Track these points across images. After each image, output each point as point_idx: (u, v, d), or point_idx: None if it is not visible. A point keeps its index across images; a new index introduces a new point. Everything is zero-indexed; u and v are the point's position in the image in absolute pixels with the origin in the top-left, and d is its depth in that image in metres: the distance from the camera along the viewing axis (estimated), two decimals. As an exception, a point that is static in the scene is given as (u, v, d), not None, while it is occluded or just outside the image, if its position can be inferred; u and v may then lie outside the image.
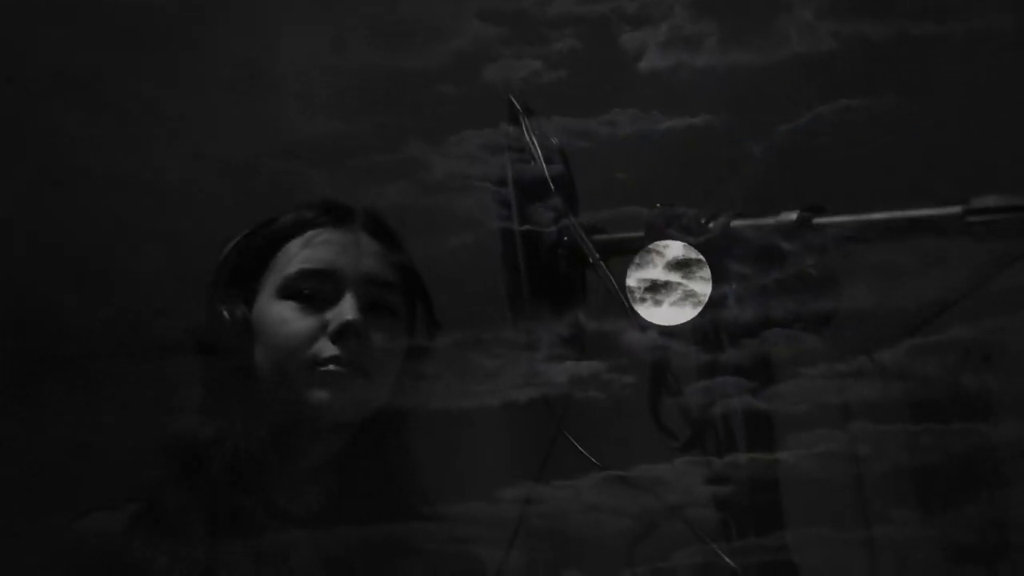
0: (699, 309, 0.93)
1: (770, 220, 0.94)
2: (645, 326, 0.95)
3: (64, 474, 2.93)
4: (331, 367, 1.18)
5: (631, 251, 0.97)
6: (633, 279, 0.94)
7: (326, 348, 1.18)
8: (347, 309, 1.20)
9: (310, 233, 1.25)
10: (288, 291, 1.22)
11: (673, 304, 0.94)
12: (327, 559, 1.18)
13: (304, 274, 1.22)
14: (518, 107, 1.03)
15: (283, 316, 1.21)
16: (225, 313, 1.22)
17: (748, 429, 0.94)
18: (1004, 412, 0.99)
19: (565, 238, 0.99)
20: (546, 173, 0.99)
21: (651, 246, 0.95)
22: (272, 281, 1.24)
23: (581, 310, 0.99)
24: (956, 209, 0.88)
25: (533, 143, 1.01)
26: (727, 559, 0.90)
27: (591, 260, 0.98)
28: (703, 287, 0.93)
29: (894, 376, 0.91)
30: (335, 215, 1.27)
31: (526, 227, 1.00)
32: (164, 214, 2.79)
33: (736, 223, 0.95)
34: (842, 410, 0.91)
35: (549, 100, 1.04)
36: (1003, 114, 1.99)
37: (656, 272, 0.94)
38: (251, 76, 2.07)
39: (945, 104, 2.10)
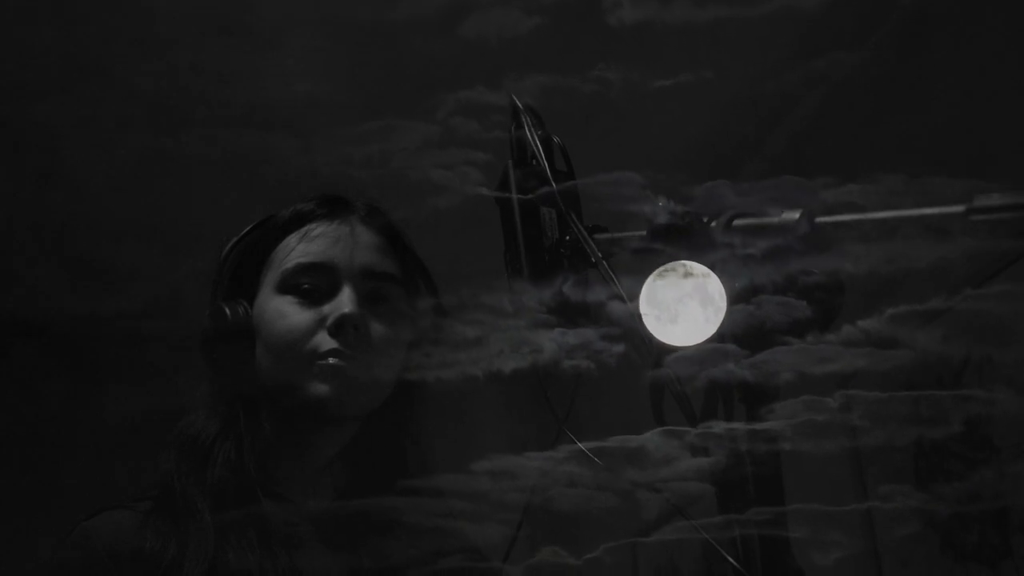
0: (715, 329, 0.92)
1: (773, 219, 0.93)
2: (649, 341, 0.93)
3: (70, 473, 2.95)
4: (330, 360, 1.19)
5: (634, 250, 0.97)
6: (647, 301, 0.93)
7: (325, 342, 1.20)
8: (345, 302, 1.21)
9: (307, 227, 1.26)
10: (286, 286, 1.23)
11: (688, 324, 0.93)
12: (337, 550, 1.18)
13: (301, 268, 1.23)
14: (519, 105, 1.02)
15: (282, 311, 1.22)
16: (227, 310, 1.23)
17: (732, 399, 0.93)
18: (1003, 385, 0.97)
19: (567, 237, 0.97)
20: (549, 174, 0.98)
21: (665, 266, 0.93)
22: (271, 276, 1.25)
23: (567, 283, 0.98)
24: (959, 208, 0.87)
25: (535, 142, 1.01)
26: (731, 559, 0.89)
27: (593, 260, 0.97)
28: (718, 303, 0.92)
29: (881, 345, 0.89)
30: (332, 208, 1.27)
31: (524, 197, 0.99)
32: (166, 210, 2.80)
33: (738, 222, 0.94)
34: (831, 379, 0.89)
35: (533, 56, 1.01)
36: (1004, 70, 1.94)
37: (670, 293, 0.93)
38: (229, 33, 2.03)
39: (944, 57, 2.06)
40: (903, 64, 2.14)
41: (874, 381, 0.89)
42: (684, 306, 0.93)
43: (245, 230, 1.31)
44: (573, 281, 0.98)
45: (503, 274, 0.99)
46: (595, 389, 0.98)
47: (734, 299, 0.93)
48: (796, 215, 0.93)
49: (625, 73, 1.02)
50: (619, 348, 0.94)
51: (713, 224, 0.95)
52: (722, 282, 0.94)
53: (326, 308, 1.21)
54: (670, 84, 1.02)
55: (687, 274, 0.93)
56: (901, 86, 2.13)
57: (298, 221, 1.27)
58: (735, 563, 0.90)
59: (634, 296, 0.95)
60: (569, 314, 0.96)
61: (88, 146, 2.64)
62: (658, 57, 1.03)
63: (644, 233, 0.97)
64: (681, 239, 0.96)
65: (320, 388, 1.19)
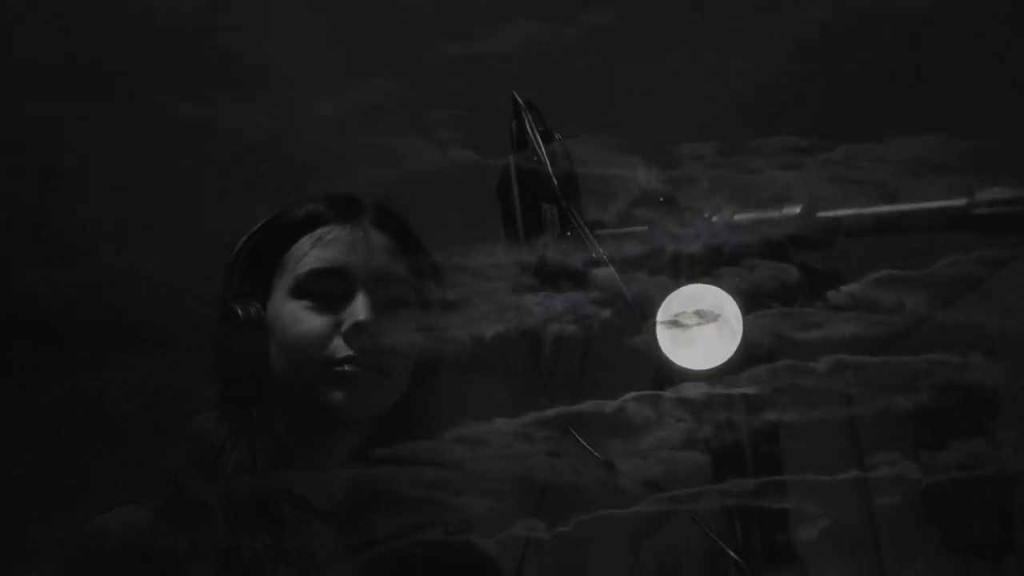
0: (733, 350, 0.91)
1: (775, 213, 0.93)
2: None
3: (70, 473, 2.95)
4: (347, 367, 1.19)
5: (619, 215, 0.97)
6: (662, 326, 0.92)
7: (341, 348, 1.20)
8: (360, 308, 1.21)
9: (320, 230, 1.26)
10: (300, 291, 1.23)
11: (704, 347, 0.92)
12: (351, 548, 1.18)
13: (315, 274, 1.23)
14: (521, 103, 1.01)
15: (296, 316, 1.22)
16: (239, 311, 1.23)
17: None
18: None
19: (568, 234, 0.97)
20: (551, 172, 0.98)
21: (677, 291, 0.93)
22: (284, 280, 1.25)
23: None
24: (961, 201, 0.88)
25: (537, 141, 1.00)
26: (734, 555, 0.87)
27: (594, 256, 0.96)
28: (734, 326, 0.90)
29: (867, 308, 0.87)
30: (344, 210, 1.27)
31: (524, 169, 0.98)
32: (166, 210, 2.80)
33: (740, 216, 0.94)
34: (818, 345, 0.87)
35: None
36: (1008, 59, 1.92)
37: (683, 316, 0.92)
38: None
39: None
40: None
41: (861, 345, 0.87)
42: (700, 329, 0.92)
43: (254, 228, 1.30)
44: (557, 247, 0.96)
45: (486, 238, 0.97)
46: (579, 353, 0.97)
47: (723, 262, 0.92)
48: (798, 209, 0.92)
49: (610, 22, 1.00)
50: (607, 313, 0.93)
51: (715, 219, 0.94)
52: (711, 249, 0.93)
53: (341, 315, 1.21)
54: (663, 35, 0.99)
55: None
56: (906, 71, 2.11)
57: (310, 223, 1.27)
58: (722, 543, 0.89)
59: (616, 261, 0.93)
60: (555, 278, 0.95)
61: (88, 146, 2.64)
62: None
63: (646, 228, 0.96)
64: (667, 208, 0.95)
65: (335, 395, 1.19)
